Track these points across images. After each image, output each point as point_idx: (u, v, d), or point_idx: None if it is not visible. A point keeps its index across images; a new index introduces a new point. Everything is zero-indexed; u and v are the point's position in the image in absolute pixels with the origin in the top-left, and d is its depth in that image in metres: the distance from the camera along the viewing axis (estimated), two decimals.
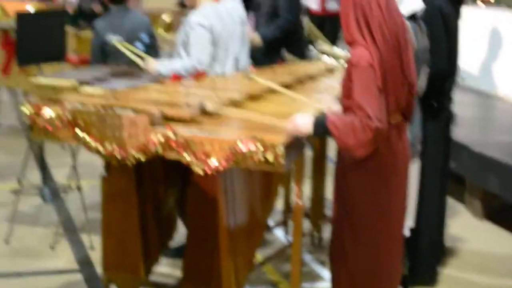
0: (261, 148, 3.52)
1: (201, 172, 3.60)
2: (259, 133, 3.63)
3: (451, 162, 6.32)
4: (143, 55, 5.60)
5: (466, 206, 6.64)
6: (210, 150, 3.59)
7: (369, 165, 3.68)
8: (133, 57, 5.58)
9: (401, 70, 3.65)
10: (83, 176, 5.92)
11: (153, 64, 5.34)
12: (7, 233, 5.60)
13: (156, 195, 4.37)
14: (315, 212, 5.56)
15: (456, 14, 4.95)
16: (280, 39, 6.52)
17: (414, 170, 4.55)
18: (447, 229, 5.90)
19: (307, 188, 5.54)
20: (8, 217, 5.70)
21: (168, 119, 3.83)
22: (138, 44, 5.96)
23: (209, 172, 3.59)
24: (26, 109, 3.93)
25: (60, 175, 6.62)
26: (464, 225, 6.34)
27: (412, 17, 4.40)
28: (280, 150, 3.50)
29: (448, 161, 5.11)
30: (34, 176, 6.46)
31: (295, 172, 4.19)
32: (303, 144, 3.93)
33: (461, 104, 8.05)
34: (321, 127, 3.60)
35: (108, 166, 4.25)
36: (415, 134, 4.45)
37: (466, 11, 8.63)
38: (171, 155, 3.66)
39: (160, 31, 8.13)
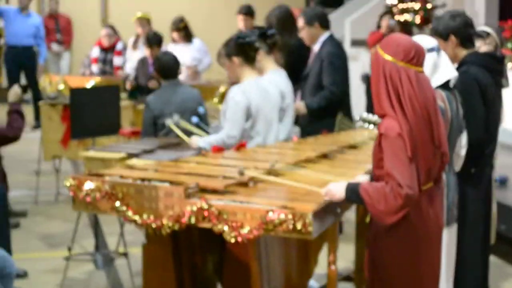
0: (291, 217, 3.64)
1: (232, 240, 3.74)
2: (290, 202, 3.79)
3: (501, 224, 6.35)
4: (194, 130, 5.82)
5: None
6: (242, 219, 3.73)
7: (400, 232, 3.76)
8: (181, 134, 5.78)
9: (432, 142, 3.74)
10: (134, 243, 6.10)
11: (194, 140, 5.56)
12: None
13: (193, 261, 4.49)
14: (359, 275, 5.62)
15: (495, 82, 5.01)
16: (324, 109, 6.65)
17: (452, 235, 4.61)
18: None
19: (351, 252, 5.63)
20: (60, 283, 5.87)
21: (203, 190, 4.00)
22: (194, 117, 6.15)
23: (240, 240, 3.72)
24: (68, 182, 4.13)
25: (114, 242, 6.82)
26: None
27: (446, 86, 4.49)
28: (309, 218, 3.61)
29: (488, 225, 5.13)
30: (89, 243, 6.65)
31: (328, 239, 4.29)
32: (336, 212, 4.02)
33: None
34: (354, 194, 3.73)
35: (147, 234, 4.40)
36: (451, 199, 4.52)
37: None
38: (205, 225, 3.80)
39: (214, 102, 8.37)
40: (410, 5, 11.67)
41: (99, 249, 6.30)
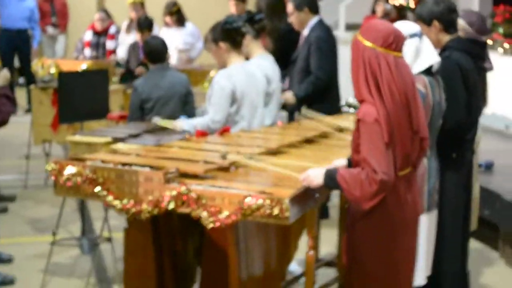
0: (268, 202, 3.67)
1: (211, 226, 3.77)
2: (268, 188, 3.82)
3: (484, 209, 6.39)
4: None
5: (499, 254, 6.64)
6: (221, 204, 3.77)
7: (376, 217, 3.79)
8: (166, 123, 5.79)
9: (410, 127, 3.77)
10: (119, 228, 6.13)
11: (179, 123, 5.60)
12: (41, 284, 5.80)
13: (173, 247, 4.52)
14: (341, 260, 5.62)
15: (477, 67, 5.02)
16: (313, 95, 6.66)
17: (432, 220, 4.64)
18: (479, 277, 5.93)
19: (335, 236, 5.66)
20: (44, 268, 5.92)
21: (184, 175, 4.03)
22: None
23: (218, 225, 3.75)
24: (49, 167, 4.15)
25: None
26: (497, 272, 6.35)
27: (429, 71, 4.51)
28: (286, 203, 3.64)
29: (469, 211, 5.16)
30: (77, 228, 6.68)
31: (307, 224, 4.32)
32: (315, 197, 4.04)
33: (502, 152, 8.11)
34: (332, 180, 3.78)
35: (128, 219, 4.43)
36: (432, 184, 4.54)
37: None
38: (184, 210, 3.83)
39: (205, 86, 8.37)
40: None
41: (85, 234, 6.32)
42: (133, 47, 9.19)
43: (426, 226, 4.49)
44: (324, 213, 7.14)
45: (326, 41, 6.80)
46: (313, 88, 6.67)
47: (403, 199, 3.84)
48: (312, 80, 6.69)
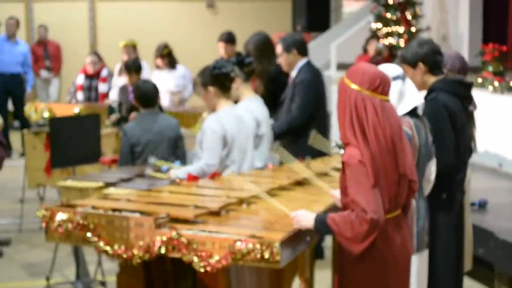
0: (259, 246, 3.69)
1: (202, 270, 3.79)
2: (259, 231, 3.85)
3: (479, 248, 6.39)
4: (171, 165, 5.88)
5: None
6: (211, 248, 3.80)
7: (367, 259, 3.81)
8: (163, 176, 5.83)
9: (396, 169, 3.79)
10: (113, 271, 6.13)
11: (173, 172, 5.62)
12: None
13: None
14: None
15: (464, 108, 5.06)
16: (286, 133, 6.70)
17: (422, 261, 4.66)
18: None
19: (329, 277, 5.67)
20: None
21: (175, 220, 4.06)
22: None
23: (209, 269, 3.77)
24: (40, 213, 4.17)
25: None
26: None
27: (414, 113, 4.55)
28: (276, 247, 3.67)
29: (461, 251, 5.17)
30: (72, 272, 6.66)
31: (299, 267, 4.33)
32: (306, 240, 4.07)
33: (495, 190, 8.13)
34: (322, 223, 3.80)
35: (120, 264, 4.45)
36: (421, 225, 4.56)
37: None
38: (175, 254, 3.86)
39: (198, 127, 8.41)
40: (394, 28, 11.73)
41: (80, 278, 6.32)
42: (122, 90, 9.23)
43: (416, 266, 4.50)
44: (318, 254, 7.15)
45: (309, 82, 6.84)
46: (287, 128, 6.73)
47: (392, 241, 3.86)
48: (289, 120, 6.75)
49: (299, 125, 6.76)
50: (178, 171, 5.61)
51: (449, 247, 4.97)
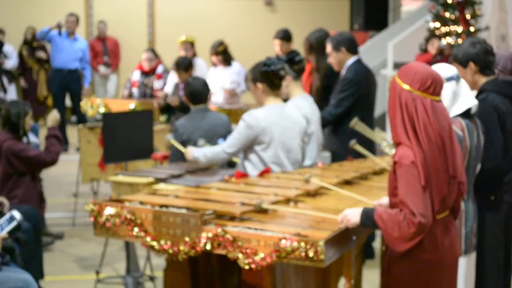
0: (303, 245, 3.70)
1: (246, 267, 3.81)
2: (304, 230, 3.86)
3: None
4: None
5: None
6: (256, 246, 3.81)
7: (414, 260, 3.79)
8: (180, 147, 6.02)
9: (447, 171, 3.76)
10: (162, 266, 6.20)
11: (189, 150, 5.79)
12: None
13: (212, 287, 4.55)
14: None
15: None
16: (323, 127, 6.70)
17: (470, 264, 4.62)
18: None
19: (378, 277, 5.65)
20: None
21: (221, 217, 4.09)
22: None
23: (253, 267, 3.79)
24: (89, 208, 4.23)
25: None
26: None
27: (466, 114, 4.51)
28: (321, 246, 3.67)
29: (510, 253, 5.10)
30: (123, 266, 6.75)
31: (344, 266, 4.32)
32: (352, 239, 4.06)
33: None
34: (369, 219, 3.81)
35: (167, 260, 4.49)
36: (469, 228, 4.52)
37: None
38: (220, 251, 3.89)
39: None
40: (452, 28, 11.61)
41: (130, 272, 6.39)
42: (175, 87, 9.32)
43: (464, 269, 4.47)
44: (369, 254, 7.13)
45: (352, 82, 6.80)
46: (321, 121, 6.70)
47: (440, 242, 3.83)
48: (323, 114, 6.72)
49: (332, 120, 6.76)
50: (194, 150, 5.77)
51: (497, 249, 4.92)
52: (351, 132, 6.04)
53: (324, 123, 6.68)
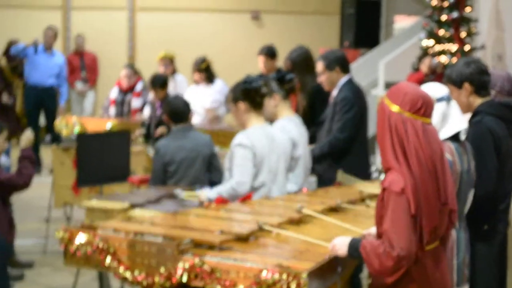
0: (285, 276, 3.66)
1: None
2: (286, 261, 3.82)
3: None
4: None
5: None
6: (236, 278, 3.78)
7: None
8: (191, 194, 5.85)
9: (438, 198, 3.75)
10: None
11: (204, 193, 5.63)
12: None
13: None
14: None
15: (510, 134, 4.99)
16: (328, 155, 6.66)
17: None
18: None
19: None
20: None
21: (198, 246, 4.05)
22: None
23: None
24: (59, 235, 4.19)
25: None
26: None
27: (456, 137, 4.49)
28: (303, 278, 3.63)
29: (504, 285, 5.09)
30: None
31: None
32: (337, 271, 4.03)
33: None
34: (355, 251, 3.80)
35: None
36: (461, 259, 4.50)
37: None
38: (197, 283, 3.84)
39: None
40: (447, 46, 11.66)
41: None
42: (151, 105, 9.29)
43: None
44: (356, 285, 7.08)
45: (351, 101, 6.77)
46: (329, 148, 6.65)
47: (431, 274, 3.82)
48: (330, 140, 6.68)
49: (341, 145, 6.71)
50: (209, 192, 5.60)
51: (491, 282, 4.90)
52: (347, 158, 6.02)
53: (336, 150, 6.66)
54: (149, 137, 8.80)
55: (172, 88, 10.17)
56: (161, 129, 8.65)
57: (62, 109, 12.59)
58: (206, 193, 5.62)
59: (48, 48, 12.53)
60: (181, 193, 5.82)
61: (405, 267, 3.68)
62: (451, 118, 4.46)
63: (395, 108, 3.74)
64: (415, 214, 3.65)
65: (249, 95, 5.50)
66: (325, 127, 6.87)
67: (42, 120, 12.90)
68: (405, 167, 3.69)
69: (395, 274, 3.69)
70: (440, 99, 4.42)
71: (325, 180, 6.76)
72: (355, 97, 6.80)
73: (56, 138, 12.12)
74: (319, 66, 6.96)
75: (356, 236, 4.21)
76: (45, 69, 12.47)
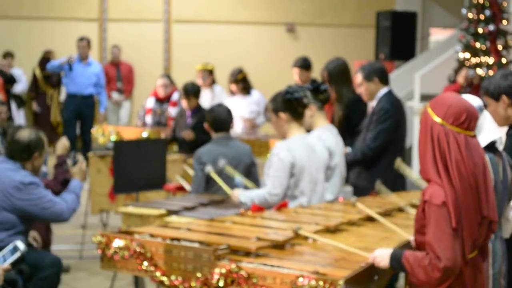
0: (322, 283, 3.66)
1: None
2: (323, 268, 3.82)
3: None
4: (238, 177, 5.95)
5: None
6: (272, 284, 3.79)
7: None
8: (223, 185, 5.88)
9: (479, 210, 3.72)
10: None
11: (236, 193, 5.63)
12: None
13: None
14: None
15: None
16: (360, 162, 6.66)
17: None
18: None
19: None
20: None
21: (234, 252, 4.06)
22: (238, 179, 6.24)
23: None
24: (97, 239, 4.22)
25: None
26: None
27: (490, 148, 4.46)
28: (340, 285, 3.63)
29: None
30: None
31: None
32: (374, 279, 4.02)
33: None
34: (397, 262, 3.79)
35: None
36: (497, 269, 4.46)
37: None
38: None
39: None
40: (483, 59, 11.58)
41: None
42: (180, 114, 9.32)
43: None
44: None
45: (389, 113, 6.76)
46: (361, 156, 6.67)
47: (468, 284, 3.79)
48: (362, 148, 6.69)
49: (372, 154, 6.70)
50: (241, 193, 5.63)
51: None
52: (378, 167, 6.00)
53: (365, 159, 6.67)
54: (177, 142, 8.85)
55: (211, 99, 10.22)
56: (188, 133, 8.67)
57: (101, 117, 12.63)
58: (238, 193, 5.64)
59: (84, 58, 12.57)
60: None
61: (452, 278, 3.67)
62: (484, 129, 4.43)
63: (438, 119, 3.70)
64: (456, 227, 3.63)
65: (290, 105, 5.50)
66: (361, 137, 6.88)
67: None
68: (446, 180, 3.65)
69: (441, 285, 3.67)
70: None
71: (359, 189, 6.76)
72: (393, 109, 6.79)
73: (88, 148, 12.08)
74: (358, 77, 6.97)
75: (395, 243, 4.22)
76: (83, 79, 12.48)
